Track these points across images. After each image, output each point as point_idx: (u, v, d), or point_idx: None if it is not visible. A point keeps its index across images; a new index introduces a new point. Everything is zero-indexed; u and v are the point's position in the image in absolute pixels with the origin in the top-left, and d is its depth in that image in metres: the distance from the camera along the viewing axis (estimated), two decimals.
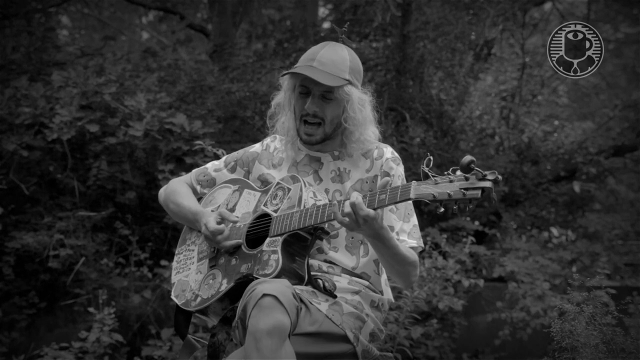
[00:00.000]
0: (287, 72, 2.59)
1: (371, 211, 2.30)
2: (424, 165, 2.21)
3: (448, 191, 2.14)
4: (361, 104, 2.61)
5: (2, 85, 5.88)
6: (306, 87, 2.57)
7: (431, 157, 2.22)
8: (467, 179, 2.14)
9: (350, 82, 2.59)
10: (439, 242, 5.11)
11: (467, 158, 2.13)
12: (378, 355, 2.57)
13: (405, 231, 2.59)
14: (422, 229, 5.83)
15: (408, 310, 4.41)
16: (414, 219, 2.63)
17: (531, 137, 7.68)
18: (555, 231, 7.65)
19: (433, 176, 2.19)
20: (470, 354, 5.97)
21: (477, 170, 2.13)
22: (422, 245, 2.63)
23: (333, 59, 2.57)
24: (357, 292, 2.59)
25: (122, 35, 11.48)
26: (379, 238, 2.40)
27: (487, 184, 2.11)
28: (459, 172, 2.16)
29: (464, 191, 2.13)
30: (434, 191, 2.17)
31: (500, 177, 2.13)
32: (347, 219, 2.33)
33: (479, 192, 2.11)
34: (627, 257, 6.97)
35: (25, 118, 5.52)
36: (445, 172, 2.19)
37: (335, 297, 2.52)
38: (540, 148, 7.58)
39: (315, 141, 2.63)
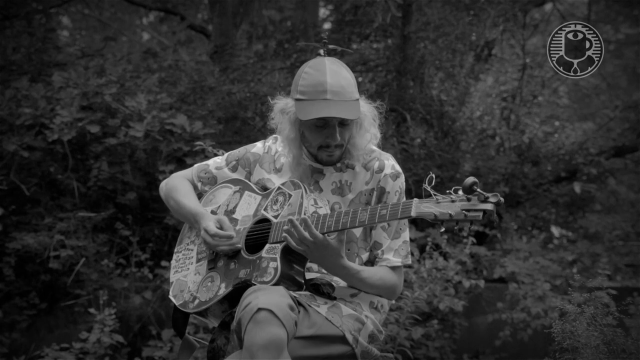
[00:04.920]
0: (310, 117, 2.50)
1: (319, 234, 2.37)
2: (426, 184, 2.21)
3: (449, 211, 2.15)
4: (373, 116, 2.61)
5: (2, 86, 5.88)
6: (323, 120, 2.52)
7: (433, 175, 2.23)
8: (469, 199, 2.14)
9: (359, 99, 2.58)
10: (439, 243, 5.10)
11: (470, 179, 2.14)
12: (378, 356, 2.57)
13: (392, 249, 2.59)
14: (422, 229, 5.86)
15: (409, 311, 4.41)
16: (405, 235, 2.63)
17: (532, 138, 7.67)
18: (556, 231, 7.64)
19: (435, 195, 2.19)
20: (471, 354, 5.97)
21: (479, 192, 2.13)
22: (408, 262, 2.62)
23: (342, 85, 2.53)
24: (355, 294, 2.58)
25: (123, 36, 11.48)
26: (344, 274, 2.47)
27: (489, 207, 2.12)
28: (461, 192, 2.16)
29: (466, 212, 2.14)
30: (435, 211, 2.17)
31: (502, 199, 2.13)
32: (300, 246, 2.40)
33: (481, 214, 2.13)
34: (627, 258, 6.97)
35: (26, 119, 5.52)
36: (447, 191, 2.19)
37: (334, 299, 2.52)
38: (541, 149, 7.57)
39: (335, 161, 2.62)
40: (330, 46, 2.65)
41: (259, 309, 2.23)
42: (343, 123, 2.54)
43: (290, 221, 2.38)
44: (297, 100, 2.56)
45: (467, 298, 5.29)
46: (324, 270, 2.58)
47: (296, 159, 2.64)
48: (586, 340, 2.80)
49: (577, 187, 7.19)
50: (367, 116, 2.60)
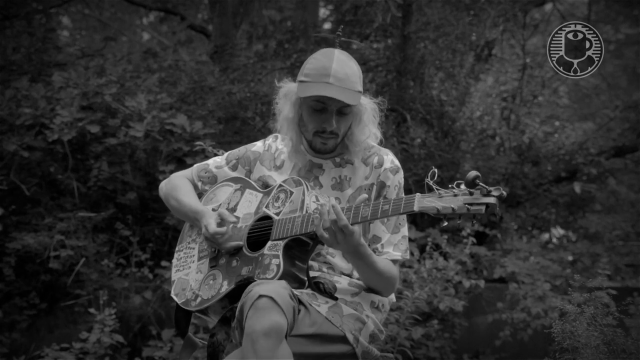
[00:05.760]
0: (310, 94, 2.53)
1: (349, 224, 2.33)
2: (428, 178, 2.21)
3: (452, 205, 2.14)
4: (374, 112, 2.63)
5: (2, 86, 5.88)
6: (322, 103, 2.55)
7: (435, 170, 2.22)
8: (471, 194, 2.13)
9: (362, 93, 2.60)
10: (439, 243, 5.11)
11: (473, 173, 2.13)
12: (379, 356, 2.57)
13: (392, 243, 2.60)
14: (422, 229, 5.86)
15: (409, 311, 4.41)
16: (404, 230, 2.63)
17: (532, 138, 7.67)
18: (557, 233, 7.64)
19: (437, 189, 2.19)
20: (471, 354, 5.97)
21: (482, 185, 2.12)
22: (407, 256, 2.63)
23: (347, 73, 2.55)
24: (357, 294, 2.58)
25: (123, 36, 11.48)
26: (358, 255, 2.43)
27: (492, 200, 2.11)
28: (463, 186, 2.16)
29: (468, 206, 2.13)
30: (437, 205, 2.17)
31: (505, 193, 2.12)
32: (326, 234, 2.35)
33: (483, 207, 2.12)
34: (627, 258, 6.97)
35: (26, 119, 5.52)
36: (450, 186, 2.18)
37: (336, 299, 2.52)
38: (541, 149, 7.57)
39: (329, 149, 2.64)
40: (344, 39, 2.67)
41: (260, 296, 2.24)
42: (341, 112, 2.56)
43: (333, 206, 2.35)
44: (300, 82, 2.59)
45: (467, 298, 5.29)
46: (324, 270, 2.59)
47: (295, 145, 2.65)
48: (586, 340, 2.80)
49: (577, 187, 7.19)
50: (367, 110, 2.62)
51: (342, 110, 2.56)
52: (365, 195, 2.38)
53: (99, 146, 5.60)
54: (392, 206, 2.28)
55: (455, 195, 2.16)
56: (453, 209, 2.14)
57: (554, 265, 5.89)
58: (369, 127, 2.62)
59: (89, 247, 5.48)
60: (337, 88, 2.52)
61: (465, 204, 2.13)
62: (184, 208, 2.75)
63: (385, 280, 2.56)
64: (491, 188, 2.12)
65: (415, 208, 2.21)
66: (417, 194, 2.23)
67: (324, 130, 2.57)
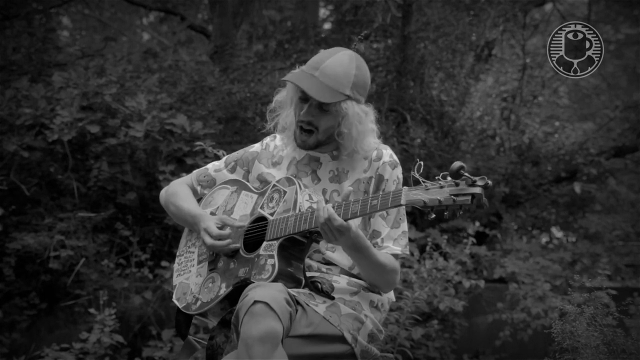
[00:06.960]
0: (285, 78, 2.58)
1: (344, 222, 2.34)
2: (414, 171, 2.22)
3: (438, 197, 2.15)
4: (358, 119, 2.57)
5: (2, 86, 5.88)
6: (305, 93, 2.55)
7: (421, 163, 2.23)
8: (457, 184, 2.15)
9: (350, 98, 2.56)
10: (439, 243, 5.11)
11: (457, 164, 2.15)
12: (378, 356, 2.57)
13: (392, 237, 2.60)
14: (422, 229, 5.86)
15: (409, 311, 4.41)
16: (404, 225, 2.64)
17: (532, 138, 7.68)
18: (557, 233, 7.64)
19: (423, 182, 2.20)
20: (471, 354, 5.97)
21: (466, 176, 2.14)
22: (407, 252, 2.63)
23: (337, 72, 2.53)
24: (356, 293, 2.58)
25: (123, 36, 11.48)
26: (355, 248, 2.44)
27: (477, 190, 2.13)
28: (449, 178, 2.17)
29: (454, 197, 2.14)
30: (424, 197, 2.18)
31: (490, 182, 2.14)
32: (322, 232, 2.37)
33: (469, 198, 2.13)
34: (627, 258, 6.97)
35: (26, 119, 5.52)
36: (436, 178, 2.20)
37: (333, 298, 2.52)
38: (541, 149, 7.58)
39: (308, 147, 2.64)
40: (361, 44, 2.68)
41: (255, 302, 2.24)
42: (322, 108, 2.55)
43: (326, 208, 2.37)
44: (300, 70, 2.61)
45: (467, 298, 5.29)
46: (323, 269, 2.59)
47: (292, 130, 2.65)
48: (586, 341, 2.80)
49: (577, 187, 7.19)
50: (350, 117, 2.56)
51: (323, 106, 2.54)
52: (350, 188, 2.39)
53: (99, 146, 5.59)
54: (381, 201, 2.29)
55: (441, 187, 2.17)
56: (439, 200, 2.15)
57: (554, 265, 5.89)
58: (358, 129, 2.58)
59: (89, 247, 5.48)
60: (317, 82, 2.52)
61: (452, 195, 2.14)
62: (182, 213, 2.77)
63: (386, 274, 2.55)
64: (476, 178, 2.13)
65: (403, 201, 2.22)
66: (404, 187, 2.24)
67: (302, 121, 2.57)
